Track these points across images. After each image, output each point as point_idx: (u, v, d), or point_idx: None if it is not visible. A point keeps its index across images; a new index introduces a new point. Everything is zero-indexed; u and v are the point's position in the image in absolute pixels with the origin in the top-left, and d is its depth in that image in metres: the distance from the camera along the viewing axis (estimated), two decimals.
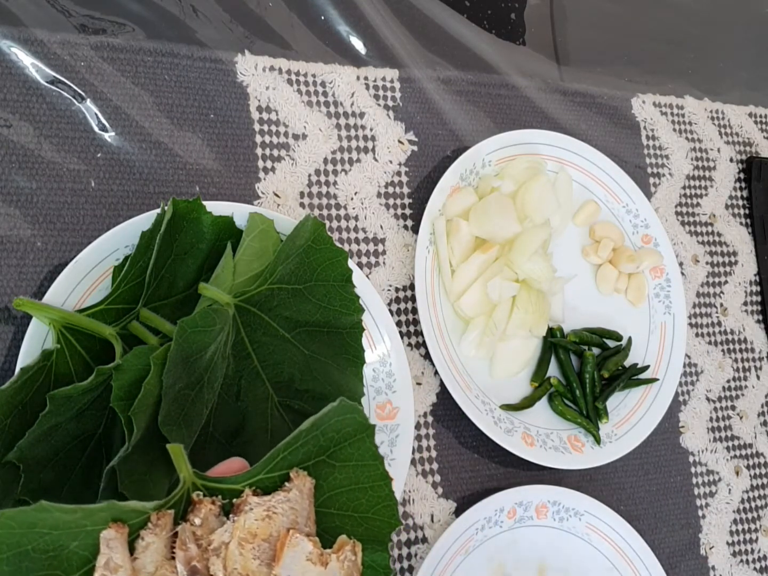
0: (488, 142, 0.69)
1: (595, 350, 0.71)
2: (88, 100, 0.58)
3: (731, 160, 0.85)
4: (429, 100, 0.71)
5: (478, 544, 0.62)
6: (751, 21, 0.94)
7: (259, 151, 0.63)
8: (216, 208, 0.54)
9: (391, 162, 0.68)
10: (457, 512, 0.64)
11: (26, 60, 0.57)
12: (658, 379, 0.71)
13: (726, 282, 0.82)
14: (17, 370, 0.47)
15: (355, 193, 0.66)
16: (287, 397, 0.54)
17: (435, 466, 0.64)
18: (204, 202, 0.53)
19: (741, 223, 0.84)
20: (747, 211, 0.85)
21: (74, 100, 0.58)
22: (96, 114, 0.58)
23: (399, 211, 0.68)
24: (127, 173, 0.59)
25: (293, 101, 0.65)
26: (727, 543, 0.75)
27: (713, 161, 0.84)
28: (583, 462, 0.65)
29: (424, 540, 0.63)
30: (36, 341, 0.49)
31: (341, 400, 0.37)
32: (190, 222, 0.53)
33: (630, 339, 0.73)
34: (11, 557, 0.32)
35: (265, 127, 0.64)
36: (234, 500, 0.36)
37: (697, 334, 0.79)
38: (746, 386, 0.80)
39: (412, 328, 0.66)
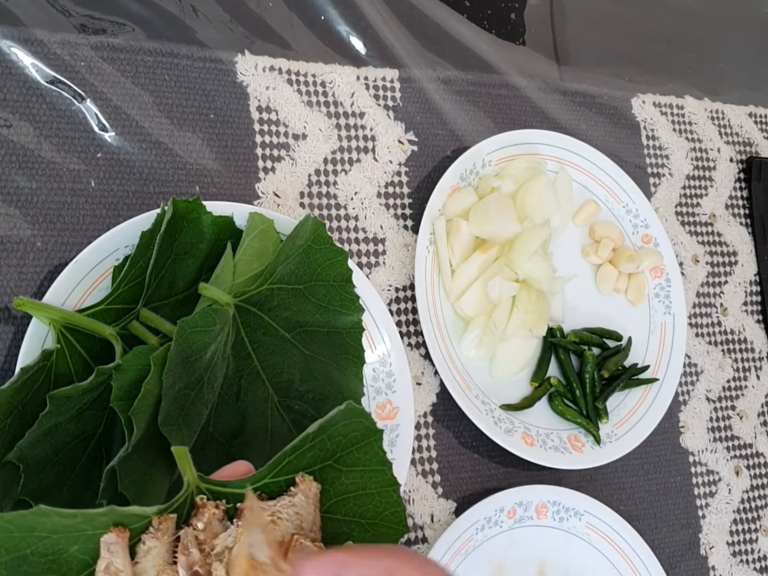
0: (488, 142, 0.69)
1: (595, 350, 0.71)
2: (88, 100, 0.58)
3: (731, 160, 0.85)
4: (429, 100, 0.71)
5: (478, 544, 0.62)
6: (751, 21, 0.94)
7: (259, 151, 0.63)
8: (216, 208, 0.54)
9: (391, 162, 0.68)
10: (457, 512, 0.64)
11: (26, 60, 0.57)
12: (658, 379, 0.71)
13: (726, 282, 0.82)
14: (17, 370, 0.47)
15: (355, 193, 0.66)
16: (287, 397, 0.54)
17: (435, 466, 0.64)
18: (204, 202, 0.53)
19: (741, 223, 0.84)
20: (747, 211, 0.85)
21: (74, 100, 0.58)
22: (96, 114, 0.58)
23: (399, 211, 0.68)
24: (127, 173, 0.59)
25: (293, 101, 0.65)
26: (727, 543, 0.75)
27: (713, 161, 0.84)
28: (583, 462, 0.65)
29: (424, 540, 0.63)
30: (36, 341, 0.49)
31: (348, 403, 0.37)
32: (190, 222, 0.53)
33: (630, 339, 0.73)
34: (10, 561, 0.31)
35: (265, 127, 0.64)
36: (238, 504, 0.36)
37: (697, 334, 0.79)
38: (746, 386, 0.80)
39: (412, 328, 0.66)
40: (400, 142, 0.69)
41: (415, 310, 0.66)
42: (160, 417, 0.45)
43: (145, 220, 0.53)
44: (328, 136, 0.66)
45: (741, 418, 0.79)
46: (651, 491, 0.73)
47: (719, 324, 0.80)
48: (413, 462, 0.63)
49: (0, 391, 0.45)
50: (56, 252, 0.55)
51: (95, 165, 0.58)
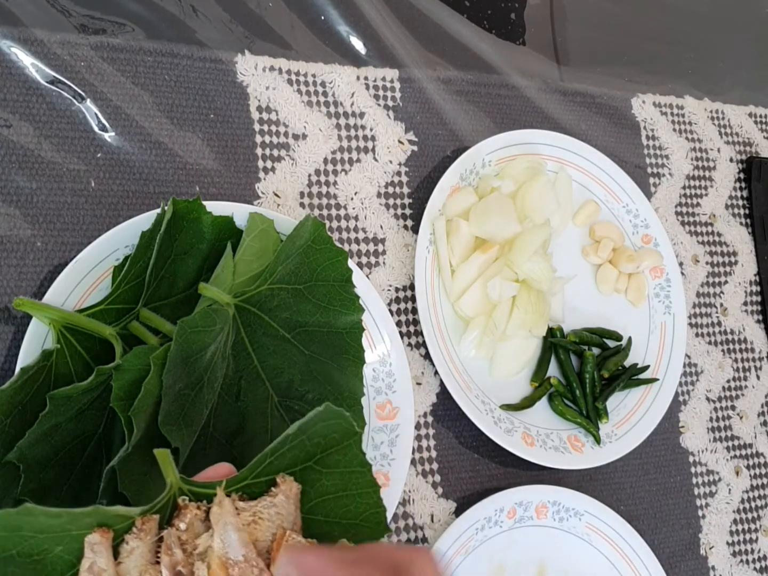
0: (488, 142, 0.69)
1: (595, 350, 0.71)
2: (88, 100, 0.58)
3: (731, 160, 0.85)
4: (429, 100, 0.71)
5: (478, 544, 0.62)
6: (751, 21, 0.94)
7: (259, 151, 0.63)
8: (216, 208, 0.54)
9: (391, 162, 0.68)
10: (457, 512, 0.64)
11: (26, 60, 0.57)
12: (658, 379, 0.71)
13: (726, 282, 0.82)
14: (17, 370, 0.47)
15: (355, 193, 0.66)
16: (287, 397, 0.54)
17: (435, 466, 0.64)
18: (204, 202, 0.53)
19: (741, 223, 0.84)
20: (747, 211, 0.85)
21: (74, 100, 0.58)
22: (96, 114, 0.58)
23: (399, 211, 0.68)
24: (127, 173, 0.58)
25: (293, 101, 0.65)
26: (727, 543, 0.75)
27: (713, 161, 0.84)
28: (583, 462, 0.65)
29: (424, 540, 0.62)
30: (36, 341, 0.49)
31: (326, 405, 0.37)
32: (190, 222, 0.53)
33: (630, 339, 0.73)
34: None
35: (265, 127, 0.64)
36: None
37: (697, 334, 0.79)
38: (746, 386, 0.80)
39: (412, 328, 0.66)
40: (400, 142, 0.69)
41: (415, 310, 0.66)
42: (160, 417, 0.45)
43: (145, 220, 0.53)
44: (328, 136, 0.66)
45: (741, 418, 0.79)
46: (651, 491, 0.73)
47: (719, 324, 0.80)
48: (413, 462, 0.63)
49: (0, 391, 0.45)
50: (56, 252, 0.55)
51: (95, 165, 0.58)
